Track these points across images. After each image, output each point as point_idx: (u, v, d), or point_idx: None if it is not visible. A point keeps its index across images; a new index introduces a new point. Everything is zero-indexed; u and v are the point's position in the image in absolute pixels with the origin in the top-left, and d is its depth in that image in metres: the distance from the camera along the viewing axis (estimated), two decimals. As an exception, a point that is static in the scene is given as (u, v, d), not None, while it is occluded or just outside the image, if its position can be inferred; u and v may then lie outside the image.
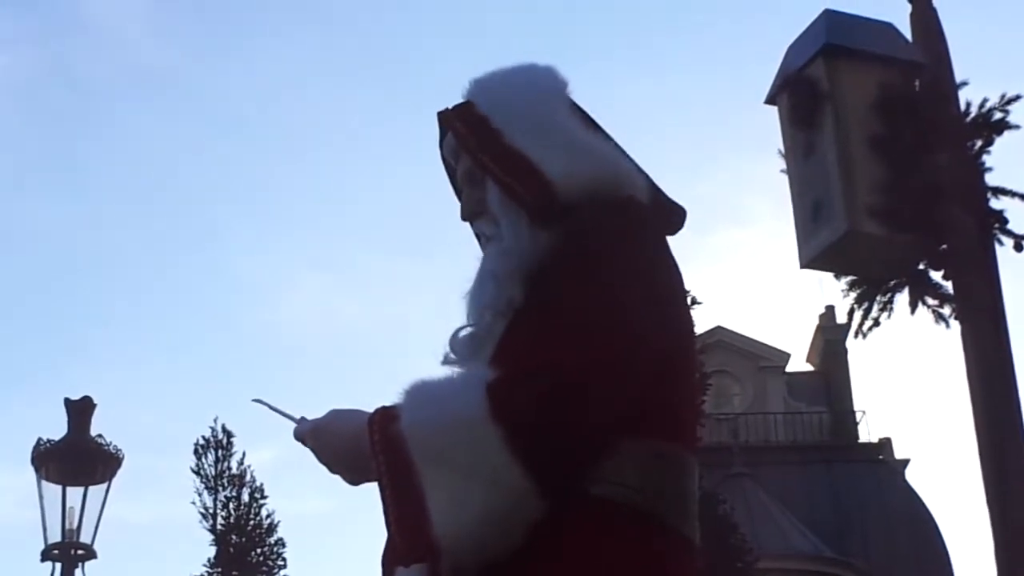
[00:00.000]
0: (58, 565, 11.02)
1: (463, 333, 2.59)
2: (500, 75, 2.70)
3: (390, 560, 2.45)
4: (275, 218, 49.26)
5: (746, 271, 53.46)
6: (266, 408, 2.72)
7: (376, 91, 50.96)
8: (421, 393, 2.40)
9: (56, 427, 11.40)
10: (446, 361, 2.60)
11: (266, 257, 47.97)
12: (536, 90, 2.65)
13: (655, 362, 2.41)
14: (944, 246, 6.47)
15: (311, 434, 2.54)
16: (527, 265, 2.51)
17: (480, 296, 2.58)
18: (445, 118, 2.70)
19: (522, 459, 2.27)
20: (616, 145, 2.66)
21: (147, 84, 48.28)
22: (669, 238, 2.63)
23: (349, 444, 2.46)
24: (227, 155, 48.52)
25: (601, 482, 2.34)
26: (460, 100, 2.71)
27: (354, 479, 2.54)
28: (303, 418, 2.63)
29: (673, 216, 2.68)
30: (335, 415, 2.54)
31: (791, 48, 6.73)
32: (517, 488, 2.27)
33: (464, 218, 2.72)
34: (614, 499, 2.35)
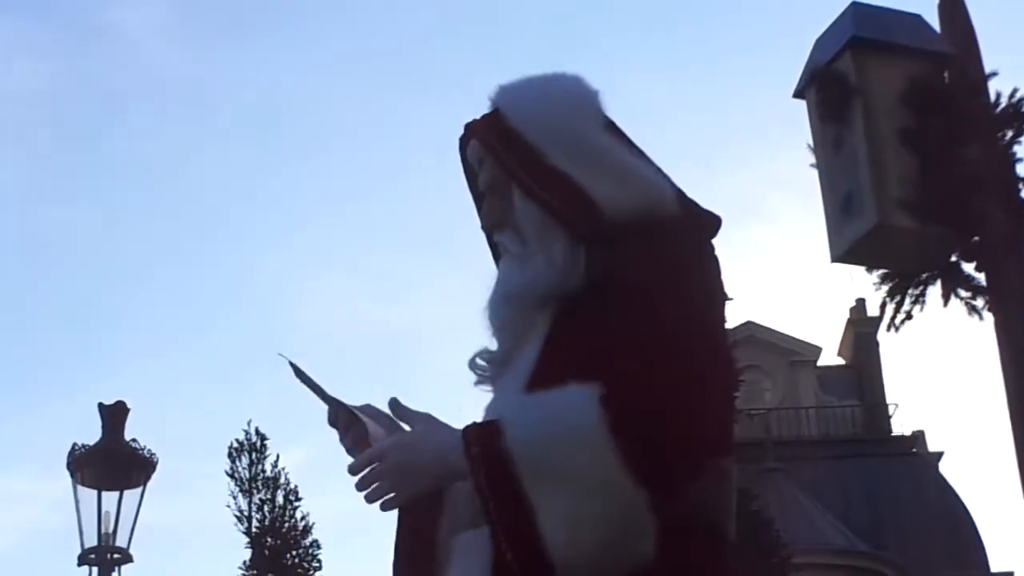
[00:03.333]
0: (94, 570, 11.06)
1: (483, 355, 2.60)
2: (530, 87, 2.64)
3: None
4: (299, 222, 49.42)
5: (774, 267, 53.36)
6: (297, 378, 2.63)
7: (397, 94, 51.04)
8: (524, 408, 2.34)
9: (90, 432, 11.45)
10: (478, 382, 2.62)
11: (290, 260, 48.13)
12: (571, 106, 2.59)
13: (726, 383, 2.43)
14: (976, 238, 6.45)
15: (396, 448, 2.43)
16: (565, 287, 2.49)
17: (496, 317, 2.58)
18: (475, 130, 2.65)
19: (637, 474, 2.21)
20: (650, 161, 2.63)
21: (167, 91, 48.50)
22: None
23: (438, 461, 2.36)
24: (251, 160, 48.68)
25: (683, 505, 2.31)
26: (487, 107, 2.66)
27: (416, 496, 2.45)
28: (337, 401, 2.60)
29: (709, 225, 2.64)
30: (421, 429, 2.47)
31: (819, 41, 6.72)
32: (634, 501, 2.22)
33: (485, 227, 2.70)
34: (693, 521, 2.34)
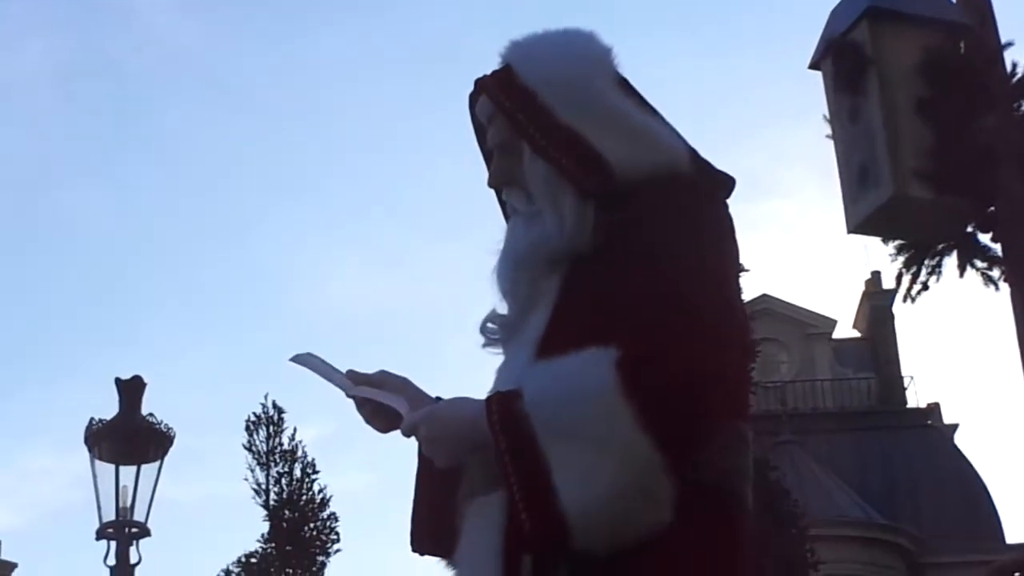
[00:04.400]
0: (112, 543, 11.10)
1: (494, 318, 2.60)
2: (542, 43, 2.61)
3: (517, 545, 2.33)
4: (319, 203, 49.54)
5: (789, 240, 53.29)
6: (307, 369, 2.65)
7: (415, 79, 51.01)
8: (542, 373, 2.35)
9: (108, 407, 11.50)
10: (487, 344, 2.62)
11: (310, 240, 48.26)
12: (583, 63, 2.56)
13: (741, 344, 2.42)
14: (992, 208, 6.44)
15: (426, 421, 2.44)
16: (574, 247, 2.48)
17: (505, 281, 2.58)
18: (487, 87, 2.62)
19: (653, 434, 2.22)
20: (664, 120, 2.60)
21: (186, 70, 48.64)
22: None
23: (467, 430, 2.38)
24: (267, 138, 48.72)
25: (699, 466, 2.31)
26: (498, 63, 2.63)
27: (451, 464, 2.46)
28: (351, 371, 2.62)
29: (723, 186, 2.62)
30: (448, 401, 2.48)
31: (834, 12, 6.70)
32: (649, 461, 2.22)
33: (492, 185, 2.68)
34: (709, 483, 2.33)
